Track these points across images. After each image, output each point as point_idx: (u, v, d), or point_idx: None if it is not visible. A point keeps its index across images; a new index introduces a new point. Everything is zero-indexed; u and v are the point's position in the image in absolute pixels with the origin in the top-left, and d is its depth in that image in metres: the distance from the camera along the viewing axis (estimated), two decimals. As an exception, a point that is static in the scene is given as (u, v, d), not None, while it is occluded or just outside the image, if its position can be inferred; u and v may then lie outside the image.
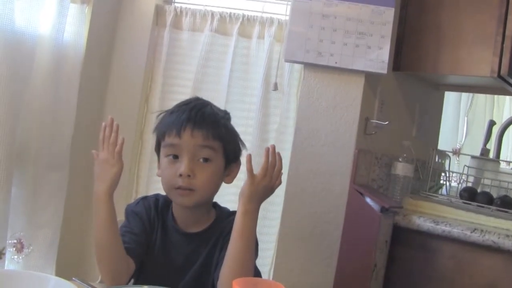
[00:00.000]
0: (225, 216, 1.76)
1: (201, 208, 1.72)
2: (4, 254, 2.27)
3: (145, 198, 1.80)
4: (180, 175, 1.63)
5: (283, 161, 1.62)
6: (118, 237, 1.58)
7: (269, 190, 1.63)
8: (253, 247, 1.62)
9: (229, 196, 2.48)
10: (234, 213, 1.74)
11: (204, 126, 1.65)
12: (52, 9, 2.36)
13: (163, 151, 1.69)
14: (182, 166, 1.63)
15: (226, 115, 1.77)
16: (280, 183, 1.64)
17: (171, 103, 1.80)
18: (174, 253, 1.72)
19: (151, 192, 2.60)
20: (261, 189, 1.60)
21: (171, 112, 1.71)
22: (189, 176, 1.63)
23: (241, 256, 1.58)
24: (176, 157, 1.66)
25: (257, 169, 1.60)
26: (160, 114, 1.77)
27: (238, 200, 1.62)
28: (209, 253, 1.70)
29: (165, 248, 1.72)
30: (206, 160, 1.66)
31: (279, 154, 1.63)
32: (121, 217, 1.72)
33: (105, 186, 1.59)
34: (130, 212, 1.74)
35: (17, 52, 2.19)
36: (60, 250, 2.53)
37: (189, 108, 1.68)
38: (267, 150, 1.61)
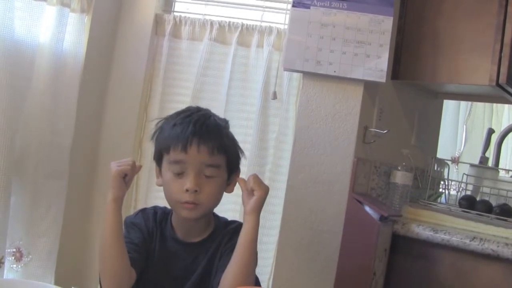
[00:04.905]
0: (224, 226, 1.77)
1: (203, 219, 1.73)
2: (3, 263, 2.27)
3: (144, 210, 1.81)
4: (187, 190, 1.64)
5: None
6: (123, 247, 1.58)
7: (266, 197, 1.68)
8: (256, 258, 1.65)
9: (229, 205, 2.48)
10: (232, 222, 1.79)
11: (210, 140, 1.65)
12: (51, 18, 2.37)
13: (167, 165, 1.68)
14: (188, 181, 1.63)
15: (226, 124, 1.77)
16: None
17: (170, 112, 1.79)
18: (173, 263, 1.72)
19: (150, 201, 2.62)
20: (264, 199, 1.66)
21: (174, 124, 1.68)
22: (195, 191, 1.64)
23: (247, 267, 1.60)
24: (181, 172, 1.66)
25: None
26: (159, 122, 1.76)
27: (245, 215, 1.65)
28: (209, 262, 1.71)
29: (164, 258, 1.72)
30: (211, 175, 1.67)
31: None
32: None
33: (110, 195, 1.60)
34: (129, 223, 1.75)
35: (17, 61, 2.20)
36: (59, 259, 2.53)
37: (193, 121, 1.66)
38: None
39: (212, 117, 1.73)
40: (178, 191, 1.65)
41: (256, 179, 1.68)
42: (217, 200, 1.71)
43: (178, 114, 1.73)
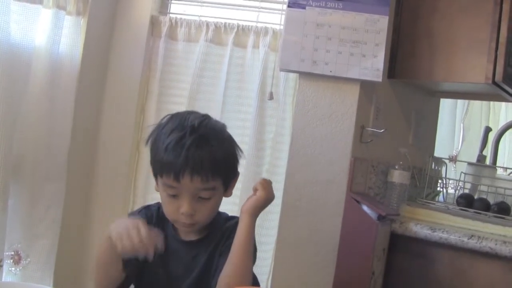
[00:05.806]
0: (223, 222, 1.76)
1: None
2: (1, 266, 2.27)
3: (147, 207, 1.80)
4: (182, 213, 1.63)
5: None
6: (116, 270, 1.60)
7: (269, 202, 1.68)
8: (252, 256, 1.65)
9: (228, 205, 2.48)
10: (232, 218, 1.78)
11: (203, 170, 1.59)
12: (47, 21, 2.37)
13: (161, 185, 1.66)
14: (184, 206, 1.62)
15: (223, 128, 1.73)
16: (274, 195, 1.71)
17: (167, 113, 1.76)
18: (173, 261, 1.72)
19: (148, 202, 2.61)
20: (264, 202, 1.67)
21: (166, 147, 1.61)
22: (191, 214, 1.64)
23: (242, 267, 1.60)
24: (175, 194, 1.64)
25: (252, 179, 1.62)
26: (154, 129, 1.70)
27: (241, 213, 1.65)
28: (208, 260, 1.70)
29: (165, 257, 1.71)
30: (207, 197, 1.66)
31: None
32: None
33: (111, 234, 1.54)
34: None
35: (13, 64, 2.20)
36: (58, 261, 2.53)
37: (186, 147, 1.58)
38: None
39: (206, 138, 1.62)
40: (174, 211, 1.65)
41: (264, 181, 1.69)
42: (215, 212, 1.72)
43: (172, 129, 1.64)
